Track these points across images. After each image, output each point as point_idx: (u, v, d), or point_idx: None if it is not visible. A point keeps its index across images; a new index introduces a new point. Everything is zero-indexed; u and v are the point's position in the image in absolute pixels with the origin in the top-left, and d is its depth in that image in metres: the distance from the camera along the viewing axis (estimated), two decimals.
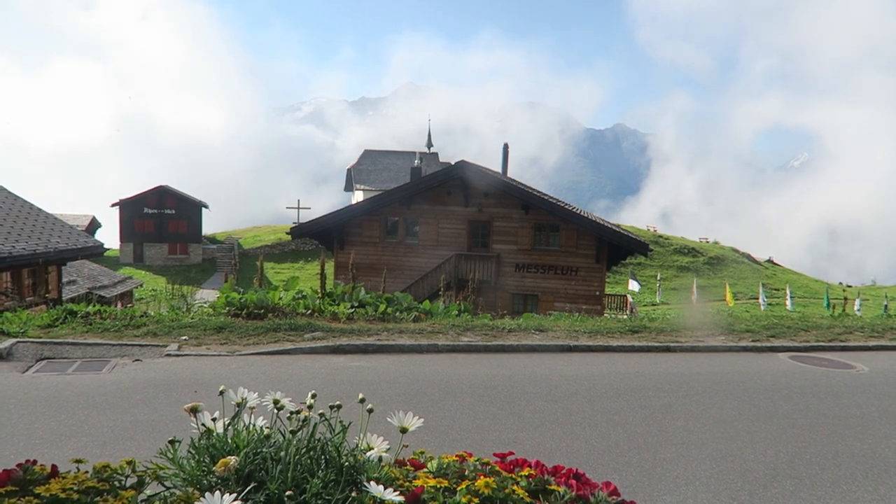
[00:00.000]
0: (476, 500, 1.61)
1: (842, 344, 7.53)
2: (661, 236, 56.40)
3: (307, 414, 1.78)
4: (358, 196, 42.63)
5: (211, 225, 53.99)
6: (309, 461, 1.67)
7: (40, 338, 6.27)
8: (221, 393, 1.86)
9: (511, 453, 1.92)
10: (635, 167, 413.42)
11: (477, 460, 1.85)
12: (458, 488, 1.66)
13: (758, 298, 33.75)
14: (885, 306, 27.74)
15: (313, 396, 1.90)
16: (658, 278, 40.43)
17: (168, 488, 1.61)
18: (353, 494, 1.58)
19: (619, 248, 21.76)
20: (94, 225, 44.47)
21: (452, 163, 23.08)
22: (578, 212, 22.77)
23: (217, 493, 1.44)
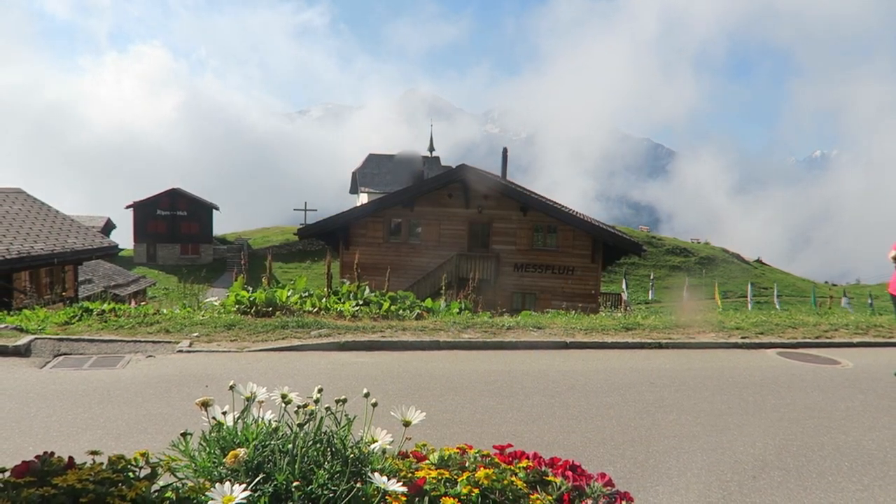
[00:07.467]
0: (476, 491, 1.65)
1: (828, 341, 7.61)
2: (653, 237, 56.99)
3: (314, 408, 1.82)
4: (363, 198, 42.68)
5: (221, 226, 54.45)
6: (315, 453, 1.72)
7: (57, 334, 6.36)
8: (231, 388, 1.90)
9: (510, 446, 1.97)
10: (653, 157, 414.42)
11: (477, 452, 1.90)
12: (459, 479, 1.70)
13: (746, 297, 34.12)
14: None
15: (319, 391, 1.95)
16: (651, 277, 40.76)
17: (180, 479, 1.66)
18: (358, 485, 1.63)
19: (614, 248, 21.98)
20: (108, 226, 44.70)
21: (454, 166, 23.34)
22: (575, 213, 22.96)
23: (227, 483, 1.49)
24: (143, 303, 13.12)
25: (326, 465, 1.67)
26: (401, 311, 8.25)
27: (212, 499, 1.43)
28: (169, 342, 6.29)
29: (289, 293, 8.58)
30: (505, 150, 25.46)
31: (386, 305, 8.38)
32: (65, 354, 5.82)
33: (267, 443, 1.72)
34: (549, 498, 1.70)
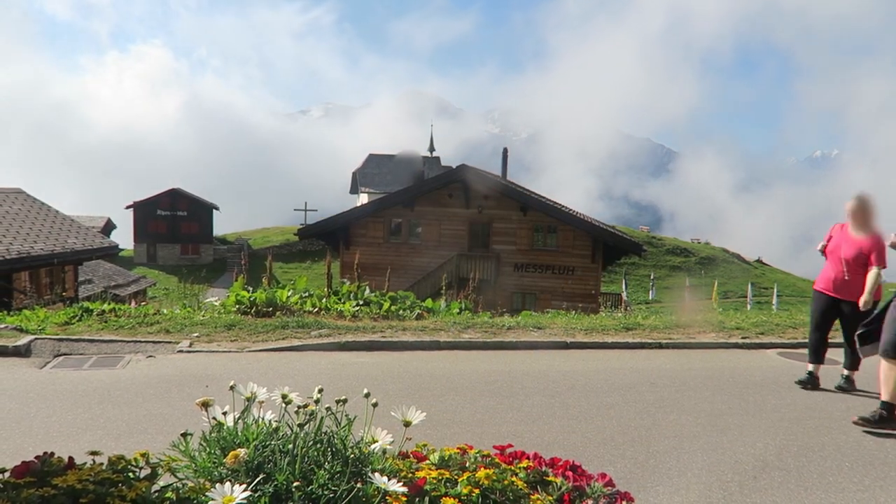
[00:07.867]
0: (477, 491, 1.65)
1: (829, 341, 7.60)
2: (654, 237, 57.12)
3: (314, 408, 1.82)
4: (363, 198, 42.77)
5: (222, 226, 54.80)
6: (316, 453, 1.72)
7: (57, 335, 6.35)
8: (232, 388, 1.91)
9: (510, 446, 1.97)
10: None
11: (477, 452, 1.90)
12: (460, 479, 1.70)
13: (746, 297, 34.14)
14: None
15: (320, 391, 1.95)
16: (651, 277, 40.80)
17: (180, 479, 1.66)
18: (359, 485, 1.63)
19: (614, 248, 22.01)
20: (109, 226, 44.82)
21: (454, 166, 23.44)
22: (575, 213, 23.00)
23: (227, 483, 1.49)
24: (143, 303, 13.17)
25: (327, 466, 1.67)
26: (401, 312, 8.24)
27: (212, 499, 1.43)
28: (169, 342, 6.29)
29: (289, 293, 8.58)
30: (505, 151, 25.53)
31: (386, 305, 8.38)
32: (65, 355, 5.82)
33: (267, 443, 1.72)
34: (550, 498, 1.70)
